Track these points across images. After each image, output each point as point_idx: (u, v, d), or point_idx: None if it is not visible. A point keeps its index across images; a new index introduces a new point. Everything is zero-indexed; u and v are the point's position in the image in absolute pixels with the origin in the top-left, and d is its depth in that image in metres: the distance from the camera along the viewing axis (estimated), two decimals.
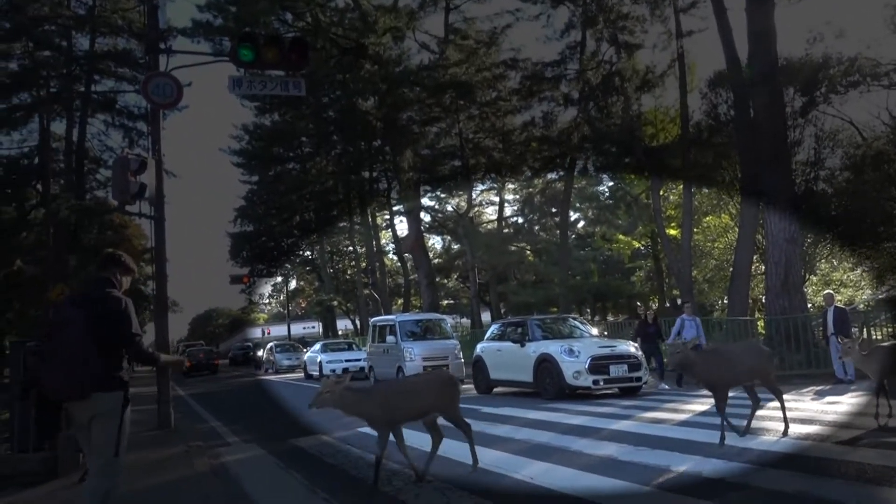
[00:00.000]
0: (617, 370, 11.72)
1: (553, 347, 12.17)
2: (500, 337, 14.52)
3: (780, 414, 7.22)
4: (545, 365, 11.92)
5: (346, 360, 23.05)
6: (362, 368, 22.11)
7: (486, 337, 15.40)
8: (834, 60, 21.50)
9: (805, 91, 21.80)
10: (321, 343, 27.38)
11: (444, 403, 5.94)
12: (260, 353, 38.18)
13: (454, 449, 7.04)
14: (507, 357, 13.38)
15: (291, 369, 29.54)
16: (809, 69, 21.40)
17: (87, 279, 4.04)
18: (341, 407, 5.61)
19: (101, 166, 28.26)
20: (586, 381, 11.49)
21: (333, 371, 22.11)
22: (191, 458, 8.17)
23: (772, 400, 7.59)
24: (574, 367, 11.49)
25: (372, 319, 21.28)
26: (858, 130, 23.04)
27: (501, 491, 5.45)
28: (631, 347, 12.51)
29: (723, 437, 6.57)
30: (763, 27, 16.74)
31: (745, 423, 7.14)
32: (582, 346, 12.15)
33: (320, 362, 23.27)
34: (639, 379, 12.11)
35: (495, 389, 14.34)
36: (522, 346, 12.91)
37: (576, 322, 15.09)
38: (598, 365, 11.58)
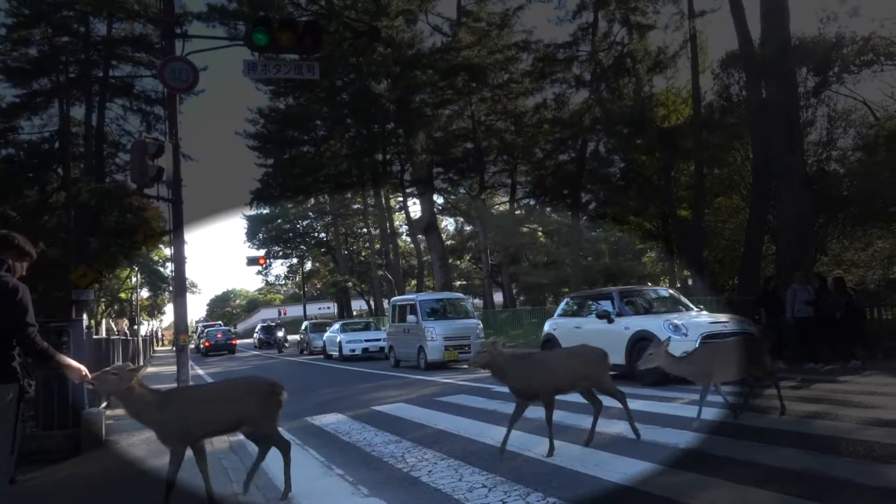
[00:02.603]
0: None
1: (653, 324, 10.55)
2: (576, 312, 13.00)
3: (788, 392, 7.21)
4: (643, 344, 9.99)
5: (366, 340, 22.87)
6: (382, 349, 22.04)
7: (557, 313, 13.76)
8: (847, 40, 21.28)
9: (818, 71, 21.63)
10: (340, 323, 27.24)
11: (261, 414, 5.02)
12: (280, 333, 38.59)
13: (466, 427, 7.31)
14: (589, 335, 11.20)
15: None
16: (822, 49, 21.24)
17: None
18: (134, 414, 4.66)
19: (120, 150, 28.74)
20: None
21: (353, 351, 22.28)
22: None
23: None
24: (682, 347, 9.35)
25: (392, 299, 21.19)
26: (872, 110, 22.85)
27: (513, 468, 5.58)
28: (746, 324, 10.73)
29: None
30: (776, 6, 16.66)
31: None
32: (689, 322, 10.42)
33: (340, 342, 23.17)
34: None
35: None
36: (610, 321, 11.22)
37: (670, 293, 13.42)
38: None
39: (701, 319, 10.76)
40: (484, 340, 14.87)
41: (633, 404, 8.56)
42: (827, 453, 5.34)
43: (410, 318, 17.25)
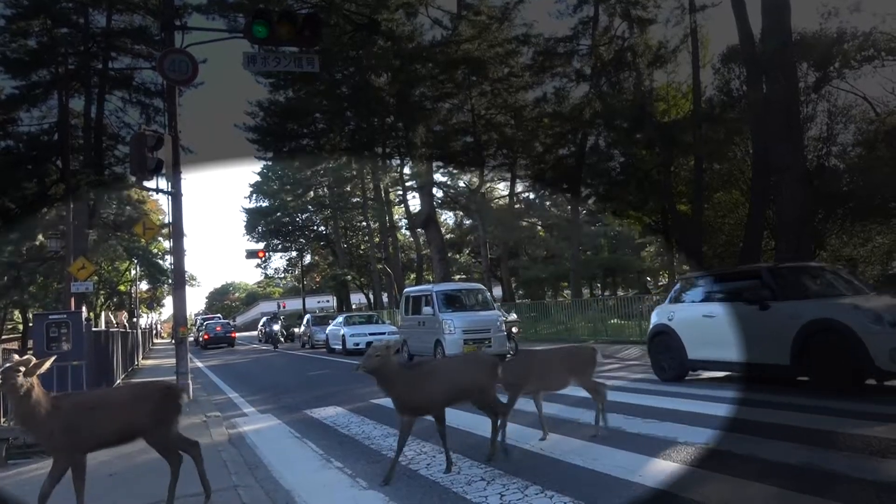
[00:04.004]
0: None
1: (837, 309, 7.87)
2: (703, 296, 10.07)
3: (787, 387, 7.10)
4: (824, 338, 7.75)
5: (370, 334, 21.89)
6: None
7: (670, 298, 10.84)
8: (848, 35, 21.30)
9: (819, 66, 21.63)
10: (343, 316, 26.38)
11: (154, 421, 4.52)
12: (276, 326, 38.43)
13: (464, 420, 7.31)
14: (726, 326, 9.01)
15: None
16: (823, 44, 21.23)
17: None
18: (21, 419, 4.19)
19: (119, 142, 28.62)
20: None
21: (357, 345, 21.47)
22: (208, 427, 8.41)
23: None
24: (891, 341, 7.15)
25: (405, 290, 20.07)
26: (872, 106, 22.86)
27: (511, 461, 5.59)
28: None
29: (449, 462, 5.48)
30: (777, 1, 16.65)
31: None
32: (886, 307, 7.66)
33: (343, 336, 22.56)
34: None
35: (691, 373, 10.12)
36: (763, 308, 8.61)
37: (836, 270, 10.34)
38: None
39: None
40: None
41: (626, 397, 8.67)
42: (825, 448, 5.35)
43: (426, 309, 16.15)
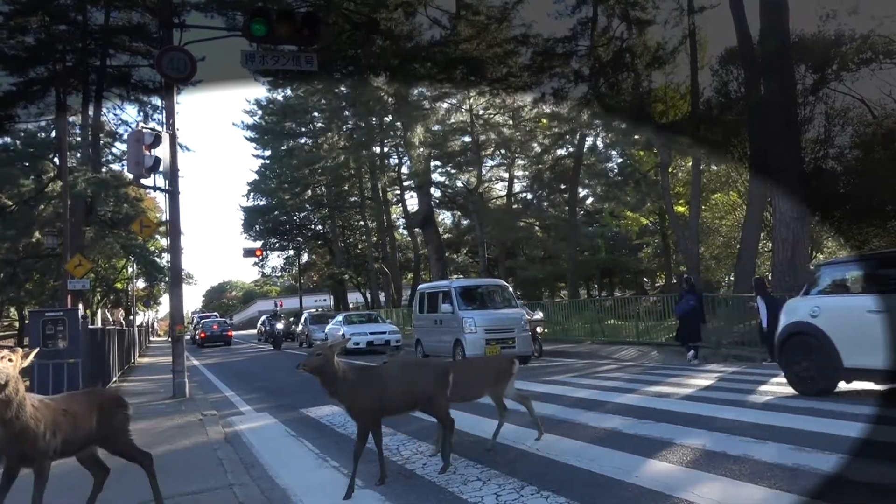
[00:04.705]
0: None
1: None
2: (859, 286, 8.16)
3: (782, 390, 7.02)
4: None
5: (371, 333, 21.57)
6: (387, 342, 21.12)
7: (812, 290, 8.52)
8: (847, 37, 21.36)
9: (816, 68, 21.69)
10: (343, 315, 25.99)
11: (106, 431, 4.34)
12: (279, 325, 37.88)
13: (461, 420, 7.29)
14: None
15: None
16: (821, 46, 21.28)
17: None
18: None
19: (117, 140, 28.66)
20: None
21: (357, 344, 20.88)
22: (205, 426, 8.43)
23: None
24: None
25: (420, 286, 19.13)
26: (869, 108, 22.93)
27: (507, 461, 5.60)
28: None
29: (350, 488, 4.87)
30: (775, 3, 16.69)
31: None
32: None
33: (343, 335, 22.29)
34: None
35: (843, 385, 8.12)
36: None
37: None
38: None
39: None
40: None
41: (623, 398, 8.68)
42: (820, 449, 5.36)
43: (444, 307, 15.15)
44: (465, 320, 14.28)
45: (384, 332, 21.64)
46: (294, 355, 23.78)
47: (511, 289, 17.42)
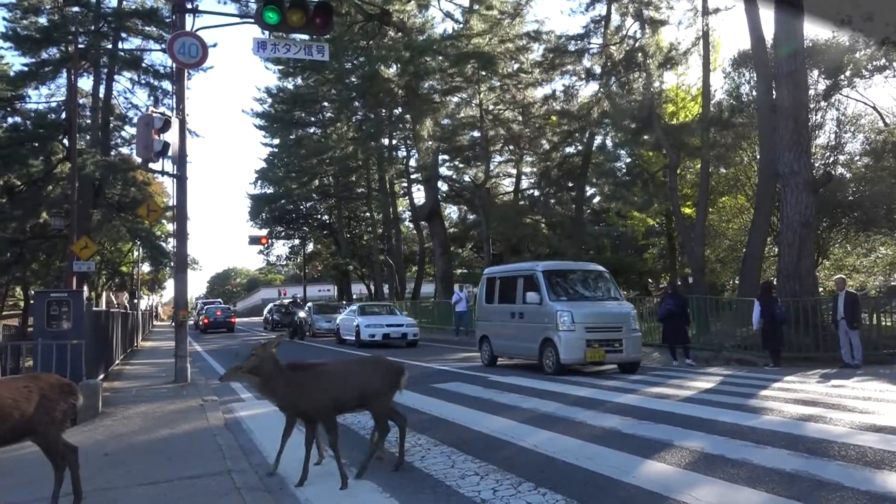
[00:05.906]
0: None
1: None
2: None
3: (783, 395, 6.98)
4: None
5: (388, 326, 20.72)
6: (404, 335, 20.42)
7: None
8: (861, 44, 21.20)
9: (829, 74, 21.56)
10: (358, 305, 25.00)
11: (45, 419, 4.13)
12: (301, 314, 37.60)
13: (460, 415, 7.34)
14: None
15: (330, 333, 25.89)
16: (835, 52, 21.15)
17: None
18: None
19: (127, 123, 28.71)
20: None
21: (372, 337, 20.25)
22: (205, 411, 8.51)
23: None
24: None
25: (487, 270, 15.72)
26: (881, 116, 22.80)
27: (505, 456, 5.63)
28: None
29: (344, 478, 4.90)
30: (791, 7, 16.56)
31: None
32: None
33: (357, 326, 20.94)
34: None
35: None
36: None
37: None
38: None
39: None
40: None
41: (623, 398, 8.68)
42: (819, 456, 5.36)
43: (530, 296, 12.30)
44: (560, 314, 11.52)
45: (401, 325, 20.81)
46: (297, 345, 23.79)
47: (612, 277, 13.97)
